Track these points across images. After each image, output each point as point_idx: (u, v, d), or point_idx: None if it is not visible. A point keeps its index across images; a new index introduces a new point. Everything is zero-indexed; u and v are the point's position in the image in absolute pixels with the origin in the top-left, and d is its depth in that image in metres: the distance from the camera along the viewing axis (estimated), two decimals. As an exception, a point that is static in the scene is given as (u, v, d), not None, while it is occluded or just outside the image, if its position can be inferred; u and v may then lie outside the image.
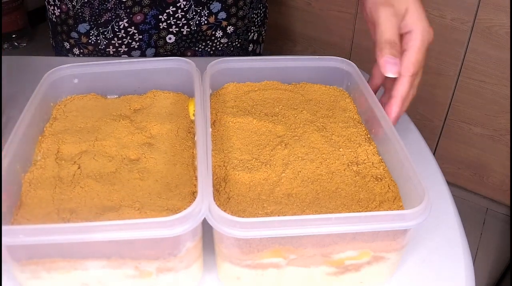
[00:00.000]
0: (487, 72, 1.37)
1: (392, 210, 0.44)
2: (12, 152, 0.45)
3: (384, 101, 0.53)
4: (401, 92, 0.50)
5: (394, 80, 0.52)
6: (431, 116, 1.54)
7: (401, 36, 0.52)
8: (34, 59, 0.77)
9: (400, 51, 0.51)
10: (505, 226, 1.55)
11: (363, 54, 1.56)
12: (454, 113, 1.49)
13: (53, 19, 0.80)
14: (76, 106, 0.57)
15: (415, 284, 0.46)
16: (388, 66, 0.50)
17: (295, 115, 0.55)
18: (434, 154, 0.78)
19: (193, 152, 0.50)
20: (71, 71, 0.57)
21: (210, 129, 0.49)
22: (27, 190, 0.45)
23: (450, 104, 1.49)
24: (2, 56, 0.73)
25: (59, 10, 0.78)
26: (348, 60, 0.59)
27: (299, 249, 0.41)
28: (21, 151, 0.47)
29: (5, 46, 2.28)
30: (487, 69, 1.37)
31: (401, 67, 0.51)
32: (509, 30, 1.29)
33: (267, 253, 0.41)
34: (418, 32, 0.51)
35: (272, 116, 0.55)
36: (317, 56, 0.60)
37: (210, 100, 0.55)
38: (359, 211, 0.44)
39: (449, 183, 0.58)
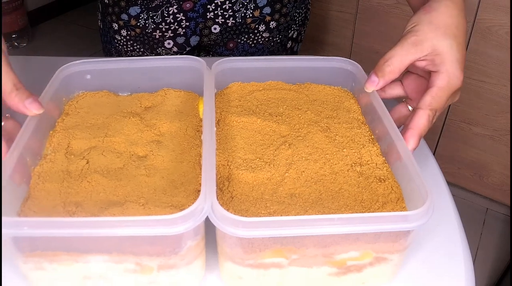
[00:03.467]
0: (487, 72, 1.34)
1: (395, 211, 0.42)
2: (22, 145, 0.44)
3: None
4: (418, 124, 0.47)
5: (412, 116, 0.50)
6: (431, 116, 1.51)
7: (430, 74, 0.50)
8: (34, 59, 0.76)
9: (390, 72, 0.49)
10: (505, 226, 1.52)
11: (363, 54, 1.53)
12: (454, 113, 1.46)
13: (105, 0, 0.80)
14: (88, 102, 0.56)
15: (415, 284, 0.45)
16: (367, 83, 0.51)
17: (299, 115, 0.53)
18: (434, 154, 0.76)
19: (200, 151, 0.48)
20: (83, 67, 0.56)
21: (215, 129, 0.47)
22: (35, 182, 0.45)
23: (450, 104, 1.46)
24: None
25: None
26: (353, 61, 0.57)
27: (301, 249, 0.39)
28: (32, 144, 0.46)
29: (6, 46, 2.28)
30: (487, 69, 1.33)
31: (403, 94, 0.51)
32: (509, 30, 1.25)
33: (269, 253, 0.39)
34: (445, 74, 0.48)
35: (276, 116, 0.53)
36: (322, 57, 0.58)
37: (215, 100, 0.53)
38: (362, 212, 0.42)
39: (449, 183, 0.57)
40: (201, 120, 0.53)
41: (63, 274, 0.40)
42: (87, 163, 0.47)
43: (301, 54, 0.93)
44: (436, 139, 1.53)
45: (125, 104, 0.55)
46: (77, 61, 0.56)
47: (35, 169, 0.46)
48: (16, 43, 2.29)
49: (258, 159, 0.47)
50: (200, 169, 0.46)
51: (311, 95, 0.57)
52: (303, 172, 0.45)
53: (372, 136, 0.51)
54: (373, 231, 0.38)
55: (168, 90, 0.57)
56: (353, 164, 0.47)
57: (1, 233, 0.36)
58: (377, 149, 0.48)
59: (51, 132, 0.51)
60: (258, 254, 0.39)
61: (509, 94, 1.33)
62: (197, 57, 0.56)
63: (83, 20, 2.64)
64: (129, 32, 0.80)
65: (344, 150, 0.48)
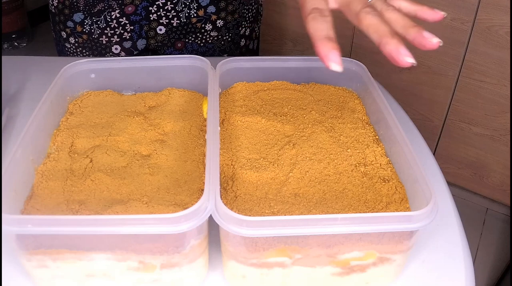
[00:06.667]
0: (487, 72, 1.33)
1: (399, 212, 0.41)
2: (25, 143, 0.43)
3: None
4: None
5: None
6: (431, 116, 1.49)
7: None
8: (34, 59, 0.75)
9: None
10: (505, 226, 1.50)
11: (363, 54, 1.51)
12: (454, 113, 1.44)
13: (52, 10, 0.80)
14: (93, 102, 0.55)
15: (415, 284, 0.44)
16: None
17: (304, 115, 0.52)
18: (434, 154, 0.75)
19: (204, 150, 0.48)
20: (88, 66, 0.55)
21: (219, 128, 0.46)
22: (39, 181, 0.44)
23: (450, 104, 1.44)
24: (2, 56, 0.71)
25: (57, 1, 0.78)
26: (358, 61, 0.56)
27: (305, 248, 0.38)
28: (35, 143, 0.46)
29: (5, 46, 2.21)
30: (487, 69, 1.32)
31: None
32: (509, 30, 1.24)
33: (273, 252, 0.38)
34: None
35: (280, 116, 0.52)
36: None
37: (220, 99, 0.53)
38: (366, 212, 0.41)
39: (449, 183, 0.56)
40: (205, 120, 0.52)
41: (67, 272, 0.39)
42: (91, 161, 0.46)
43: (301, 54, 0.91)
44: (436, 139, 1.52)
45: (129, 104, 0.55)
46: (82, 60, 0.55)
47: (39, 168, 0.45)
48: (16, 43, 2.27)
49: (262, 159, 0.46)
50: (204, 168, 0.45)
51: (316, 95, 0.56)
52: (307, 171, 0.45)
53: (377, 137, 0.50)
54: (377, 231, 0.37)
55: (172, 89, 0.57)
56: (357, 164, 0.46)
57: (1, 231, 0.36)
58: (382, 149, 0.48)
59: (55, 131, 0.50)
60: (262, 253, 0.38)
61: (509, 94, 1.32)
62: (201, 57, 0.55)
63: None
64: (77, 39, 0.79)
65: (348, 150, 0.47)
